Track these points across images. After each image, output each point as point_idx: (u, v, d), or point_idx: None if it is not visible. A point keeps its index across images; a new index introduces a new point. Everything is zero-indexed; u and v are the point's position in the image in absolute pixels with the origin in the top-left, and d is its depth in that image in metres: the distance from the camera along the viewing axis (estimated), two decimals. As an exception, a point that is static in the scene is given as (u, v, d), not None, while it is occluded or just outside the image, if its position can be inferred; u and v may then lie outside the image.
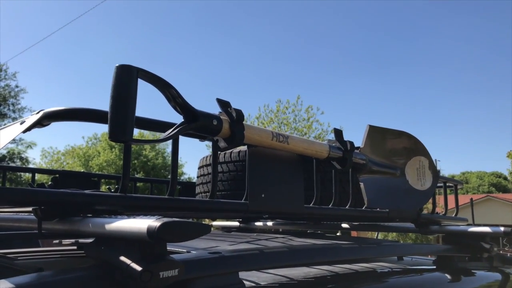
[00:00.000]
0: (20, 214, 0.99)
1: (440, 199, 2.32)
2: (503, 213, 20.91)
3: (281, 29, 67.32)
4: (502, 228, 1.53)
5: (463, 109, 76.40)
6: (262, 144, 0.98)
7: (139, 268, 0.61)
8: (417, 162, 1.42)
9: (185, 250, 1.09)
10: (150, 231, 0.59)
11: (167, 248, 0.68)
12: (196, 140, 1.00)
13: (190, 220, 0.88)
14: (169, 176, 0.93)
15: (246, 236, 1.60)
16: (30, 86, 52.65)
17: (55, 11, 52.08)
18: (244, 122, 0.92)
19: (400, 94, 72.72)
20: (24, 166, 22.65)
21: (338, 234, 3.10)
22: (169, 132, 0.84)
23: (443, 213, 1.80)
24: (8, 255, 1.28)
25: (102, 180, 2.36)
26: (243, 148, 1.65)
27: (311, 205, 1.14)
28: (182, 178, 25.93)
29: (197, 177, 1.95)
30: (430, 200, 1.56)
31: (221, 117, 0.89)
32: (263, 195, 0.99)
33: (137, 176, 22.27)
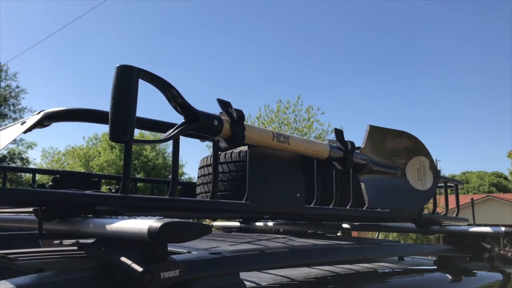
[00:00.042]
0: (21, 214, 0.99)
1: (440, 199, 2.32)
2: (503, 213, 20.91)
3: (281, 29, 67.39)
4: (503, 228, 1.53)
5: (463, 109, 76.43)
6: (263, 144, 0.98)
7: (140, 269, 0.61)
8: (418, 162, 1.42)
9: (185, 251, 1.09)
10: (151, 231, 0.59)
11: (168, 248, 0.68)
12: (197, 141, 1.00)
13: (191, 220, 0.87)
14: (170, 177, 0.93)
15: (246, 236, 1.60)
16: (31, 87, 52.75)
17: (56, 12, 52.19)
18: (244, 122, 0.92)
19: (400, 94, 72.76)
20: (24, 166, 22.67)
21: (338, 234, 3.10)
22: (169, 132, 0.84)
23: (444, 213, 1.80)
24: (9, 256, 1.28)
25: (103, 181, 2.36)
26: (244, 148, 1.65)
27: (311, 205, 1.14)
28: (182, 178, 25.92)
29: (198, 177, 1.95)
30: (431, 200, 1.56)
31: (222, 117, 0.89)
32: (263, 196, 0.99)
33: (137, 176, 22.29)
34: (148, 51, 56.97)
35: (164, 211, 0.92)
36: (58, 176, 2.09)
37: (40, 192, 0.72)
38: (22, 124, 0.84)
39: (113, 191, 1.20)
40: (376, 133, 1.34)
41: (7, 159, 23.57)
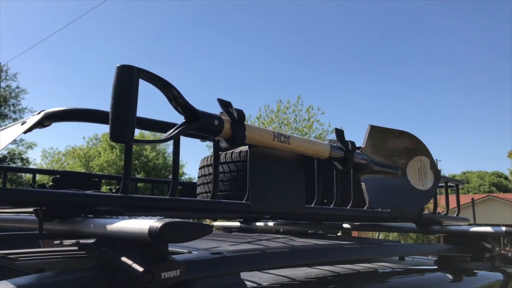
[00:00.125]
0: (21, 214, 0.99)
1: (441, 199, 2.31)
2: (504, 212, 20.90)
3: (281, 29, 67.39)
4: (503, 228, 1.53)
5: (463, 109, 76.42)
6: (264, 144, 0.98)
7: (140, 269, 0.61)
8: (419, 162, 1.41)
9: (186, 251, 1.09)
10: (152, 231, 0.59)
11: (169, 248, 0.68)
12: (197, 141, 1.00)
13: (191, 220, 0.87)
14: (170, 177, 0.93)
15: (247, 236, 1.60)
16: (31, 87, 52.74)
17: (56, 12, 52.19)
18: (245, 122, 0.92)
19: (400, 94, 72.75)
20: (25, 166, 22.68)
21: (339, 234, 3.10)
22: (170, 132, 0.84)
23: (445, 213, 1.80)
24: (9, 256, 1.28)
25: (103, 181, 2.36)
26: (244, 148, 1.65)
27: (312, 205, 1.14)
28: (183, 178, 25.92)
29: (198, 177, 1.95)
30: (432, 200, 1.56)
31: (222, 117, 0.89)
32: (264, 196, 0.99)
33: (138, 176, 22.29)
34: (148, 51, 57.03)
35: (165, 211, 0.92)
36: (58, 176, 2.09)
37: (40, 192, 0.72)
38: (22, 124, 0.84)
39: (113, 191, 1.20)
40: (376, 133, 1.34)
41: (7, 159, 23.59)
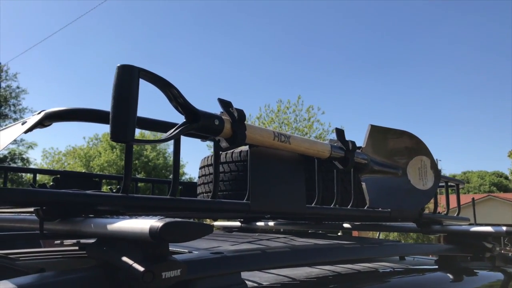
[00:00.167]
0: (22, 214, 0.99)
1: (441, 199, 2.31)
2: (504, 212, 20.89)
3: (281, 29, 67.36)
4: (504, 228, 1.53)
5: (463, 109, 76.40)
6: (264, 144, 0.98)
7: (141, 269, 0.61)
8: (419, 162, 1.41)
9: (187, 251, 1.09)
10: (152, 231, 0.59)
11: (169, 248, 0.68)
12: (198, 140, 1.00)
13: (192, 220, 0.87)
14: (171, 176, 0.93)
15: (248, 236, 1.60)
16: (31, 87, 52.79)
17: (56, 12, 52.20)
18: (245, 122, 0.92)
19: (400, 94, 72.73)
20: (25, 166, 22.68)
21: (339, 234, 3.10)
22: (170, 132, 0.84)
23: (445, 212, 1.79)
24: (10, 256, 1.28)
25: (104, 181, 2.36)
26: (245, 148, 1.64)
27: (312, 205, 1.14)
28: (183, 178, 25.93)
29: (199, 177, 1.95)
30: (432, 200, 1.56)
31: (223, 117, 0.89)
32: (264, 195, 0.99)
33: (138, 176, 22.29)
34: (148, 51, 57.04)
35: (165, 211, 0.91)
36: (59, 176, 2.10)
37: (41, 192, 0.72)
38: (22, 124, 0.84)
39: (114, 191, 1.20)
40: (377, 133, 1.34)
41: (7, 160, 23.59)
